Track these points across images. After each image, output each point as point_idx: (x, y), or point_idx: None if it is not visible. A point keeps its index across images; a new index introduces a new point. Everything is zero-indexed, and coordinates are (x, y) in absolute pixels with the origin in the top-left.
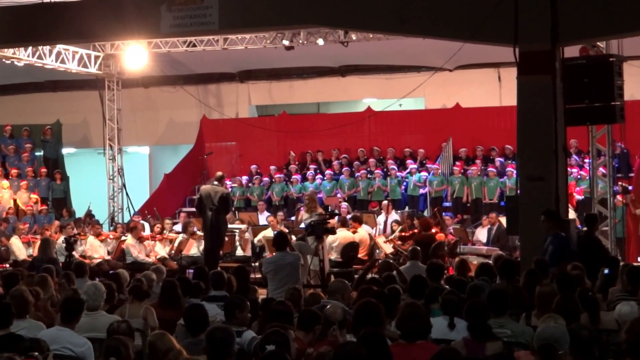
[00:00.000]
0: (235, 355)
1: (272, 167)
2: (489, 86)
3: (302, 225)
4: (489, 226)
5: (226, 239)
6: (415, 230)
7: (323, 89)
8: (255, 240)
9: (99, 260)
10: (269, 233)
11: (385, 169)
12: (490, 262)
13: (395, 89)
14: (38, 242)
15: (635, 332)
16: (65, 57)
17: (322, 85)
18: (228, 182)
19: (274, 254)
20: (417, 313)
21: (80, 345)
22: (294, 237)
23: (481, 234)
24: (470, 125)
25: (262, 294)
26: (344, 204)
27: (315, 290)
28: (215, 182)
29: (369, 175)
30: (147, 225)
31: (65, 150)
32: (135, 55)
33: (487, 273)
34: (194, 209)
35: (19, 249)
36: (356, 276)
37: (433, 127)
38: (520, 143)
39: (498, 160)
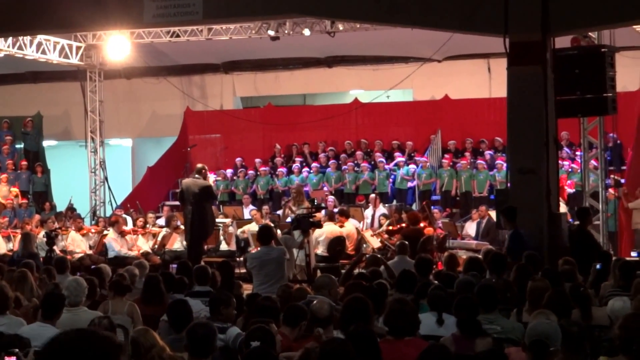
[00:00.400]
0: (218, 352)
1: (257, 160)
2: (478, 77)
3: (289, 220)
4: (478, 220)
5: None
6: (403, 225)
7: (309, 80)
8: (239, 231)
9: (80, 255)
10: (254, 227)
11: (372, 162)
12: (480, 256)
13: (383, 80)
14: (18, 237)
15: (628, 327)
16: (46, 48)
17: (308, 77)
18: (212, 176)
19: (258, 248)
20: (405, 309)
21: None
22: (279, 232)
23: (470, 228)
24: (460, 118)
25: (247, 289)
26: (331, 198)
27: (302, 286)
28: (196, 175)
29: (356, 168)
30: (129, 219)
31: (46, 143)
32: (117, 45)
33: (476, 268)
34: (177, 203)
35: None
36: (343, 271)
37: (421, 119)
38: (511, 135)
39: (488, 153)
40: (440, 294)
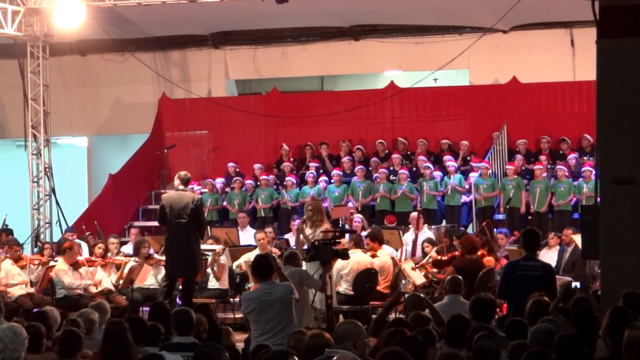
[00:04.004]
0: None
1: (257, 166)
2: (557, 54)
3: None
4: (559, 247)
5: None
6: (456, 253)
7: (329, 57)
8: (234, 264)
9: (18, 294)
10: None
11: (414, 168)
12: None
13: (429, 58)
14: None
15: None
16: None
17: (327, 53)
18: (196, 187)
19: (257, 286)
20: None
21: None
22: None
23: (547, 257)
24: (532, 108)
25: (239, 340)
26: (358, 217)
27: (319, 331)
28: (181, 187)
29: (391, 177)
30: (85, 246)
31: None
32: (68, 10)
33: (546, 311)
34: (151, 223)
35: None
36: (374, 316)
37: (481, 110)
38: (602, 132)
39: (571, 156)
40: (490, 345)
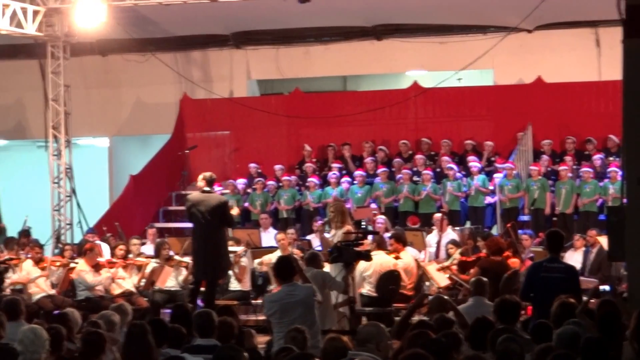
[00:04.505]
0: None
1: (278, 167)
2: (583, 53)
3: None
4: (584, 248)
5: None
6: (481, 255)
7: (351, 57)
8: (255, 263)
9: (39, 296)
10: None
11: (438, 169)
12: (591, 299)
13: (453, 58)
14: None
15: None
16: None
17: (350, 53)
18: (217, 188)
19: (279, 288)
20: None
21: None
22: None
23: (573, 259)
24: (558, 108)
25: (261, 342)
26: (381, 218)
27: (338, 335)
28: (206, 188)
29: (415, 178)
30: (106, 247)
31: None
32: (89, 10)
33: (574, 313)
34: (170, 225)
35: None
36: (397, 318)
37: (505, 110)
38: (628, 132)
39: (597, 157)
40: (514, 348)
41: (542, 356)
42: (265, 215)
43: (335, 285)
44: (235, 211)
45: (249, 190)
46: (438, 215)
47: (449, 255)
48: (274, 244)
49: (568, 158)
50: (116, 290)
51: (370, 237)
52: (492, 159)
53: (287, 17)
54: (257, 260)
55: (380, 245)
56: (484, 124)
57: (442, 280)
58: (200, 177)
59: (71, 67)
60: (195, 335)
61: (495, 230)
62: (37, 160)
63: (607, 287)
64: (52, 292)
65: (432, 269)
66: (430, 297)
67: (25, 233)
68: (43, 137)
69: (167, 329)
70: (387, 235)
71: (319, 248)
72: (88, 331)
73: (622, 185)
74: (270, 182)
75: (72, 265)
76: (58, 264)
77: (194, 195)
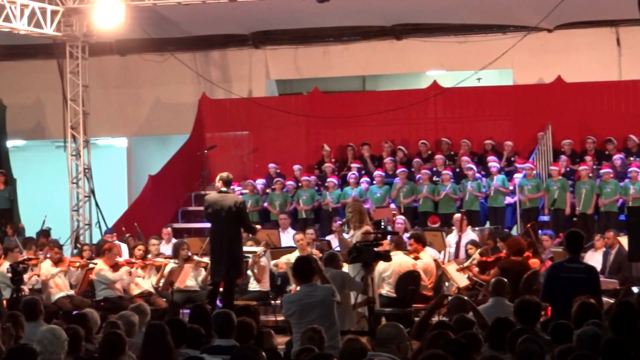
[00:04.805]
0: None
1: (297, 167)
2: (603, 53)
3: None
4: (604, 249)
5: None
6: (501, 255)
7: (370, 57)
8: (272, 264)
9: (58, 296)
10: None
11: (457, 169)
12: (610, 299)
13: (472, 57)
14: None
15: None
16: (11, 13)
17: (369, 52)
18: (236, 188)
19: (298, 288)
20: None
21: None
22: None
23: (593, 259)
24: (578, 108)
25: (280, 343)
26: (400, 218)
27: (356, 337)
28: (223, 189)
29: (434, 178)
30: (124, 248)
31: (10, 143)
32: (107, 10)
33: (594, 314)
34: (189, 225)
35: None
36: (417, 319)
37: (525, 110)
38: None
39: (617, 157)
40: (534, 349)
41: (563, 357)
42: (284, 216)
43: (354, 286)
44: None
45: (268, 191)
46: (457, 215)
47: (468, 256)
48: (293, 244)
49: (588, 158)
50: (135, 291)
51: (388, 237)
52: (512, 159)
53: (306, 17)
54: (273, 261)
55: (399, 245)
56: (503, 124)
57: (461, 280)
58: (218, 177)
59: (90, 67)
60: (214, 335)
61: (515, 231)
62: (55, 160)
63: (637, 289)
64: (71, 292)
65: (451, 269)
66: (449, 298)
67: (44, 233)
68: (62, 137)
69: (185, 329)
70: (406, 235)
71: (339, 249)
72: (107, 332)
73: None
74: (290, 183)
75: (90, 265)
76: (77, 264)
77: (210, 195)
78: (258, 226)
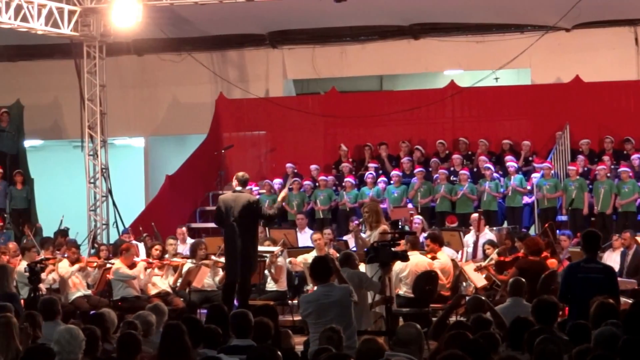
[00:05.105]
0: None
1: (314, 167)
2: (621, 52)
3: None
4: (622, 249)
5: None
6: (519, 255)
7: (388, 56)
8: (288, 261)
9: (75, 296)
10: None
11: (475, 169)
12: (629, 300)
13: (490, 57)
14: None
15: None
16: (28, 13)
17: (386, 52)
18: (254, 188)
19: (315, 288)
20: None
21: None
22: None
23: (611, 259)
24: (596, 108)
25: (298, 343)
26: (418, 218)
27: (372, 337)
28: (238, 188)
29: (452, 178)
30: (142, 247)
31: (28, 143)
32: (125, 10)
33: (612, 314)
34: (207, 225)
35: None
36: (434, 319)
37: (543, 109)
38: None
39: (636, 156)
40: (552, 349)
41: (581, 357)
42: (301, 216)
43: (371, 286)
44: (281, 195)
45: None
46: (475, 215)
47: (486, 256)
48: (310, 244)
49: (606, 158)
50: (152, 291)
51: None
52: (530, 158)
53: (323, 17)
54: (289, 259)
55: (414, 245)
56: (521, 124)
57: (479, 280)
58: (234, 177)
59: (107, 67)
60: (232, 335)
61: (532, 231)
62: (73, 160)
63: None
64: (88, 292)
65: (469, 269)
66: (467, 298)
67: (62, 233)
68: (79, 137)
69: (203, 329)
70: (423, 235)
71: (354, 248)
72: (124, 332)
73: None
74: (307, 182)
75: (108, 265)
76: (94, 264)
77: (225, 195)
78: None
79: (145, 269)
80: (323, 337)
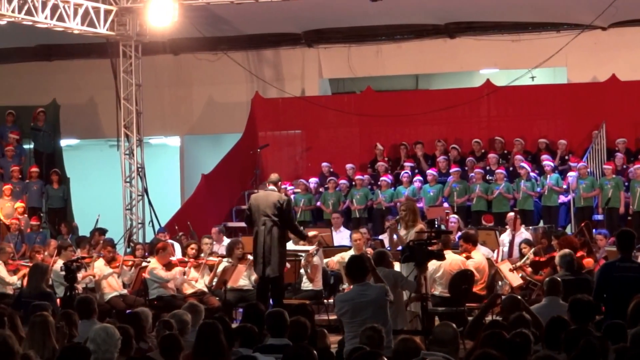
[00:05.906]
0: None
1: (350, 166)
2: None
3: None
4: None
5: (287, 265)
6: (554, 254)
7: (423, 55)
8: (325, 261)
9: (111, 295)
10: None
11: (511, 168)
12: None
13: (526, 56)
14: (26, 270)
15: None
16: (64, 13)
17: (422, 51)
18: (289, 187)
19: (351, 287)
20: None
21: None
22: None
23: None
24: (633, 106)
25: (333, 342)
26: (453, 217)
27: (409, 337)
28: (270, 187)
29: (488, 177)
30: (177, 247)
31: (64, 142)
32: (161, 9)
33: None
34: (242, 224)
35: (2, 279)
36: (470, 318)
37: (579, 108)
38: None
39: None
40: (590, 348)
41: (618, 356)
42: (337, 215)
43: (407, 285)
44: (312, 233)
45: (320, 190)
46: (511, 214)
47: (522, 255)
48: (345, 243)
49: None
50: (188, 290)
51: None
52: (566, 157)
53: (359, 16)
54: (326, 260)
55: (447, 244)
56: (557, 123)
57: (515, 279)
58: (268, 178)
59: (143, 66)
60: (268, 334)
61: (569, 230)
62: (109, 159)
63: None
64: (124, 291)
65: (505, 268)
66: (503, 297)
67: (100, 231)
68: (115, 136)
69: (239, 328)
70: (459, 234)
71: (388, 247)
72: (163, 335)
73: None
74: (342, 181)
75: (144, 264)
76: (130, 263)
77: (257, 194)
78: (311, 232)
79: (184, 273)
80: (363, 336)
